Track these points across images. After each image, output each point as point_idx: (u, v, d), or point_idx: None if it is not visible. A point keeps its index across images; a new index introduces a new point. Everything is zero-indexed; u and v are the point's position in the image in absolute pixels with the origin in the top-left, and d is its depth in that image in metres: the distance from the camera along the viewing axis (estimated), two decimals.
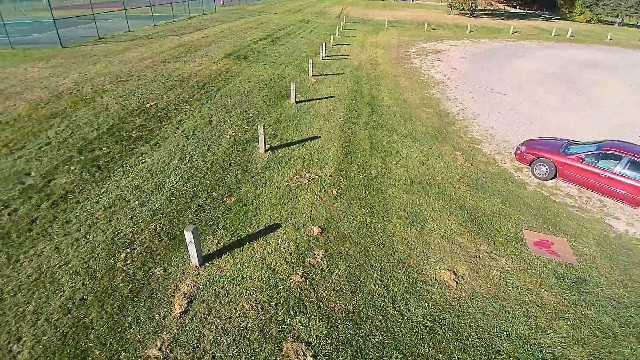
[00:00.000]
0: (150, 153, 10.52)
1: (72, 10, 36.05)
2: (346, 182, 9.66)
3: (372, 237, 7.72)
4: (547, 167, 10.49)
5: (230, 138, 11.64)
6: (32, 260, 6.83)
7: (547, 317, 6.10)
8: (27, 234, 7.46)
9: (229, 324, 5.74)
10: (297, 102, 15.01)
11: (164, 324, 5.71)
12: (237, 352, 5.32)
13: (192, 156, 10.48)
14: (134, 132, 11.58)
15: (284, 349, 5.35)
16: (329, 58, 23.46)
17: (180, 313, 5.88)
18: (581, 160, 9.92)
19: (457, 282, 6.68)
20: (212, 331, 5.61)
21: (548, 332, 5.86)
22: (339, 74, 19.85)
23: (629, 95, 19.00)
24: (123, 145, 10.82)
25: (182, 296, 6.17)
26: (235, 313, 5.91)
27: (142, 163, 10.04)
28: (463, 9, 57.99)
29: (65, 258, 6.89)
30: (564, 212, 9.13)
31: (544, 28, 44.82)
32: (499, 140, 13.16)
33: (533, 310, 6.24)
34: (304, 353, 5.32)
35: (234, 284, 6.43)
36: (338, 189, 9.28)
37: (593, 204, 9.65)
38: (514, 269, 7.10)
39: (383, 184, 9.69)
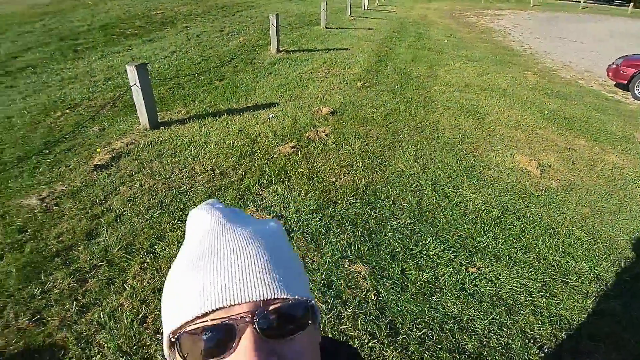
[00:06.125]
0: (140, 45, 8.67)
1: None
2: (376, 79, 7.26)
3: (406, 122, 5.30)
4: None
5: (239, 43, 9.56)
6: None
7: None
8: None
9: (163, 184, 3.57)
10: (327, 28, 12.71)
11: (65, 175, 3.66)
12: (158, 215, 3.13)
13: (187, 51, 8.49)
14: (129, 30, 9.80)
15: None
16: (372, 10, 20.98)
17: (95, 166, 3.80)
18: None
19: (542, 171, 4.13)
20: (131, 189, 3.48)
21: None
22: (381, 19, 17.34)
23: None
24: (112, 38, 9.06)
25: (110, 151, 4.09)
26: (176, 175, 3.75)
27: (126, 51, 8.20)
28: None
29: None
30: None
31: (617, 8, 39.66)
32: (581, 70, 10.20)
33: None
34: None
35: (190, 147, 4.27)
36: (364, 83, 6.91)
37: None
38: (634, 165, 4.43)
39: (427, 83, 7.20)
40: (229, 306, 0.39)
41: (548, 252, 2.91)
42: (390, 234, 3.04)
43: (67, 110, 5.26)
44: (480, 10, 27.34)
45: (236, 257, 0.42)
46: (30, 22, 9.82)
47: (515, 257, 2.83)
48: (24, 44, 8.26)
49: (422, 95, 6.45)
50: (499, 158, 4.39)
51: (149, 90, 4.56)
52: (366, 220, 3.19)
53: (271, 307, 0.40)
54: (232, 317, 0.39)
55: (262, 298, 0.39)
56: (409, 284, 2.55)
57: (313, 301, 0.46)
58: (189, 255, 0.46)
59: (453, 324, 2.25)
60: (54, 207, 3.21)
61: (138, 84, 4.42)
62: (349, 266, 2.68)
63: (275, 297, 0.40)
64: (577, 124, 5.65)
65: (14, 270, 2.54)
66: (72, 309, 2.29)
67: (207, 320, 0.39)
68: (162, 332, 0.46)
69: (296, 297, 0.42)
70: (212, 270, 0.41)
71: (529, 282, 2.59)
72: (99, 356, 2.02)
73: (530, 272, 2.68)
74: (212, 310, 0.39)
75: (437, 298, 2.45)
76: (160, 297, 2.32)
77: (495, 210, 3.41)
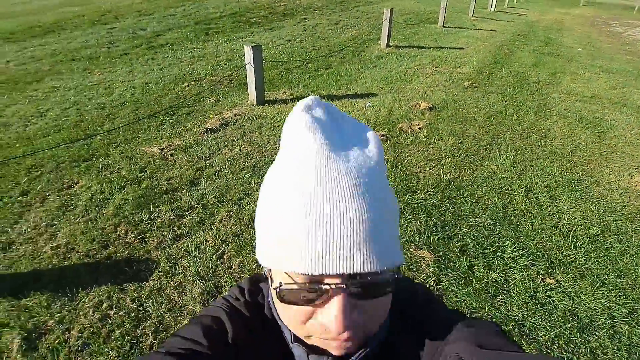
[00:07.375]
0: (260, 33, 9.47)
1: None
2: (487, 80, 6.86)
3: (511, 125, 4.95)
4: None
5: (350, 36, 9.82)
6: (102, 74, 6.33)
7: None
8: (113, 59, 7.08)
9: (257, 152, 3.95)
10: (444, 27, 12.28)
11: (182, 134, 4.28)
12: (249, 176, 3.50)
13: (302, 41, 9.02)
14: (254, 19, 10.76)
15: None
16: (499, 12, 19.58)
17: (206, 129, 4.36)
18: None
19: None
20: (231, 151, 3.92)
21: None
22: (508, 21, 16.10)
23: None
24: (238, 25, 10.05)
25: (220, 119, 4.64)
26: (271, 145, 4.10)
27: (248, 37, 9.05)
28: None
29: (140, 77, 6.22)
30: None
31: None
32: None
33: None
34: None
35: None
36: (473, 83, 6.58)
37: None
38: None
39: (545, 90, 6.57)
40: (328, 275, 0.44)
41: None
42: (465, 229, 2.94)
43: (192, 83, 6.05)
44: (629, 20, 23.57)
45: (338, 216, 0.43)
46: (174, 6, 11.40)
47: (605, 278, 2.52)
48: (166, 25, 9.64)
49: (537, 101, 5.92)
50: (614, 176, 3.86)
51: (260, 69, 5.01)
52: (442, 213, 3.13)
53: (363, 278, 0.44)
54: (329, 282, 0.44)
55: (358, 272, 0.42)
56: (473, 280, 2.46)
57: (401, 262, 0.48)
58: (292, 176, 0.47)
59: (513, 327, 2.13)
60: (170, 157, 3.78)
61: (252, 62, 4.90)
62: (414, 251, 2.68)
63: (370, 270, 0.43)
64: None
65: (131, 199, 3.10)
66: (168, 235, 2.72)
67: (306, 279, 0.45)
68: (255, 241, 0.53)
69: (386, 269, 0.44)
70: (314, 225, 0.43)
71: (615, 306, 2.29)
72: (181, 275, 2.38)
73: (619, 296, 2.36)
74: (312, 274, 0.43)
75: (501, 299, 2.32)
76: (239, 241, 2.61)
77: (594, 227, 3.04)
